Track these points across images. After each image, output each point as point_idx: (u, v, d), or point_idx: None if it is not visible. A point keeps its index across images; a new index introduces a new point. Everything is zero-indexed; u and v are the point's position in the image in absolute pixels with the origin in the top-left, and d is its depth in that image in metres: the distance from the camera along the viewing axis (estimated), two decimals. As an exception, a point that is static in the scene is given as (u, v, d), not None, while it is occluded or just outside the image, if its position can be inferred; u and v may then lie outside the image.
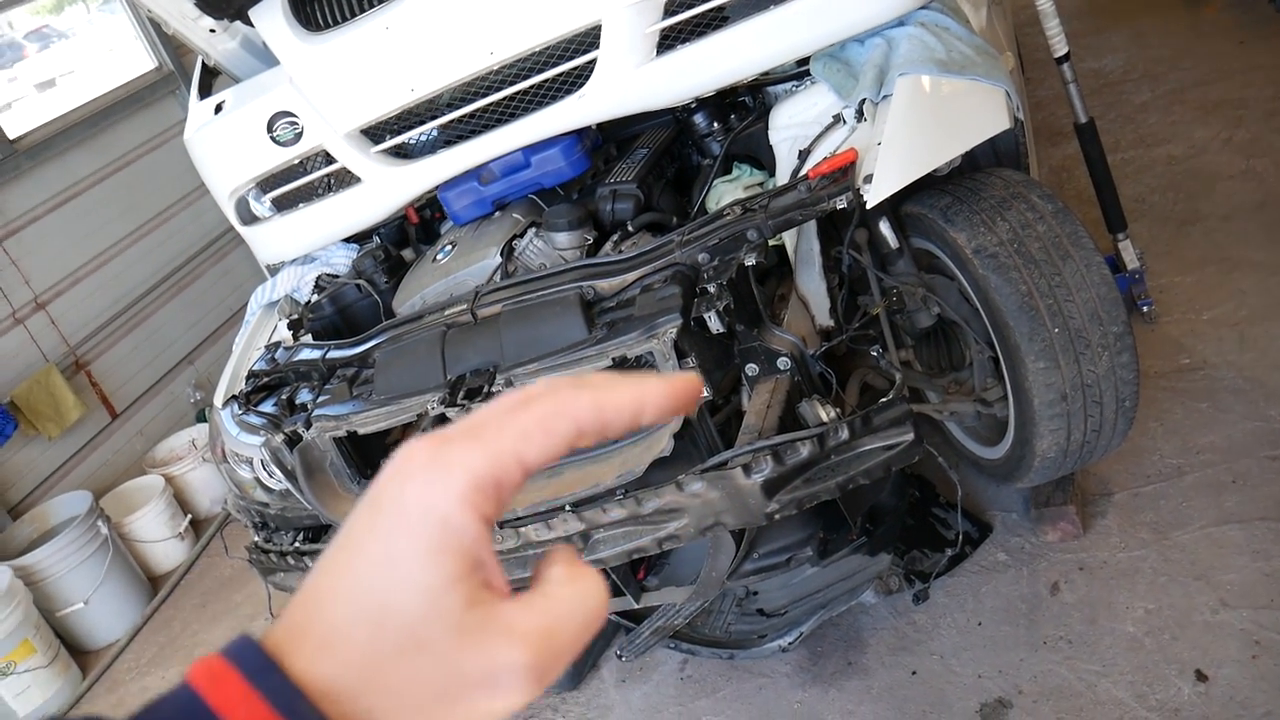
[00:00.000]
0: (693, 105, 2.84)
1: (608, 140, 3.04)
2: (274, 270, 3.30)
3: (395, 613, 0.41)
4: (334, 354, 2.64)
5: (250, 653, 0.40)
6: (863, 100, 2.34)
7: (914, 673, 2.64)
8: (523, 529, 2.16)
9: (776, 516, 2.03)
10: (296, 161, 2.98)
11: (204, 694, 0.39)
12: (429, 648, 0.41)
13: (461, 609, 0.41)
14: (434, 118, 2.81)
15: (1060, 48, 3.27)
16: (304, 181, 3.02)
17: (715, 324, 2.08)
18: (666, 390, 0.47)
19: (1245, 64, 4.83)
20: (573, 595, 0.44)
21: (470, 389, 2.25)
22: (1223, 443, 2.88)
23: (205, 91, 3.25)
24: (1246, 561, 2.54)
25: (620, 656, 2.74)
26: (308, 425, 2.49)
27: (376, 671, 0.40)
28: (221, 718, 0.38)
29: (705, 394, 2.08)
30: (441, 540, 0.41)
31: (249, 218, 3.16)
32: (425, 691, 0.41)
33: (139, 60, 6.06)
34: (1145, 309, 3.42)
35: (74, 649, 4.27)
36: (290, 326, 2.99)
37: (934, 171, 2.27)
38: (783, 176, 2.57)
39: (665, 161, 2.93)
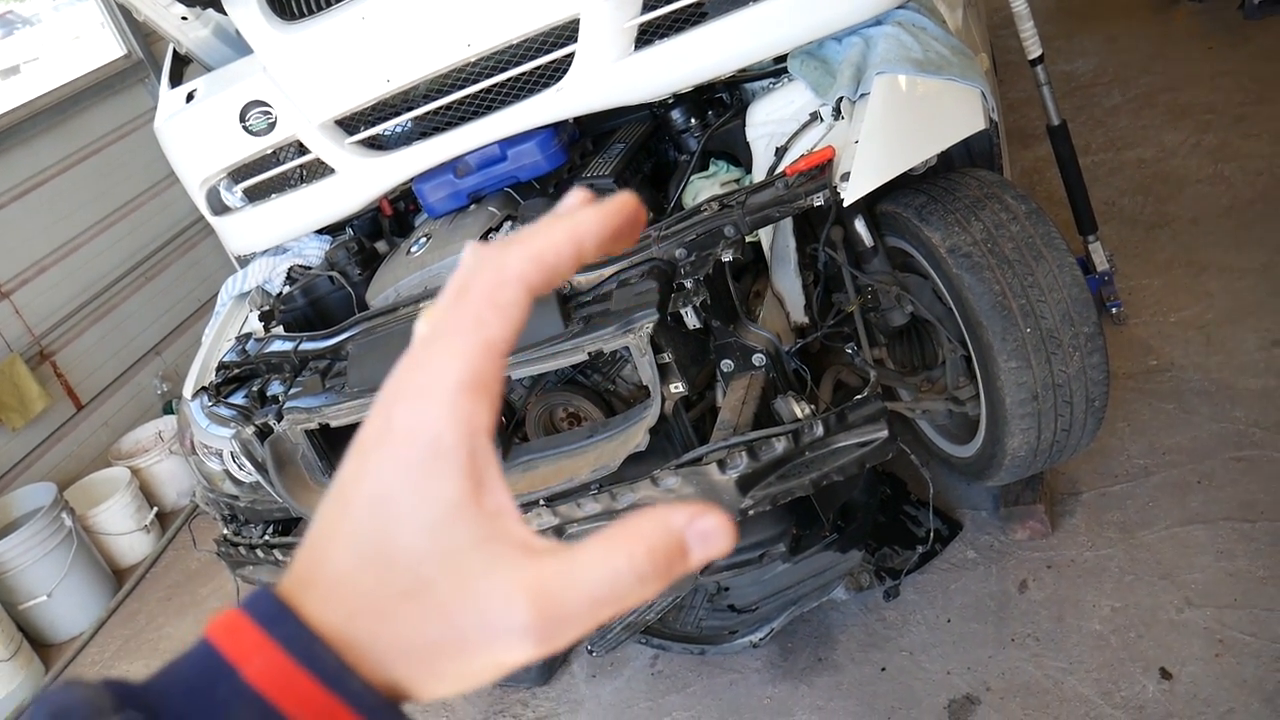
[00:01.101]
0: (670, 101, 2.84)
1: (584, 134, 3.04)
2: (245, 261, 3.27)
3: (398, 553, 0.39)
4: (306, 346, 2.62)
5: (265, 602, 0.39)
6: (840, 98, 2.35)
7: (883, 669, 2.65)
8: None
9: (750, 512, 2.04)
10: (269, 151, 2.95)
11: (220, 646, 0.38)
12: (432, 591, 0.38)
13: (468, 548, 0.39)
14: (409, 109, 2.79)
15: (1034, 50, 3.30)
16: (276, 172, 2.99)
17: (692, 319, 2.09)
18: (601, 217, 0.43)
19: (1213, 69, 4.89)
20: (598, 563, 0.39)
21: (444, 382, 2.23)
22: (1189, 443, 2.92)
23: (176, 80, 3.21)
24: (1211, 561, 2.57)
25: (591, 652, 2.74)
26: (279, 417, 2.47)
27: (384, 619, 0.38)
28: (236, 667, 0.37)
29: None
30: (435, 465, 0.39)
31: (220, 208, 3.13)
32: (429, 641, 0.38)
33: (107, 47, 5.98)
34: (1114, 310, 3.46)
35: (37, 642, 4.22)
36: (262, 318, 2.96)
37: (910, 170, 2.28)
38: (759, 173, 2.58)
39: (642, 156, 2.93)
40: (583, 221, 0.43)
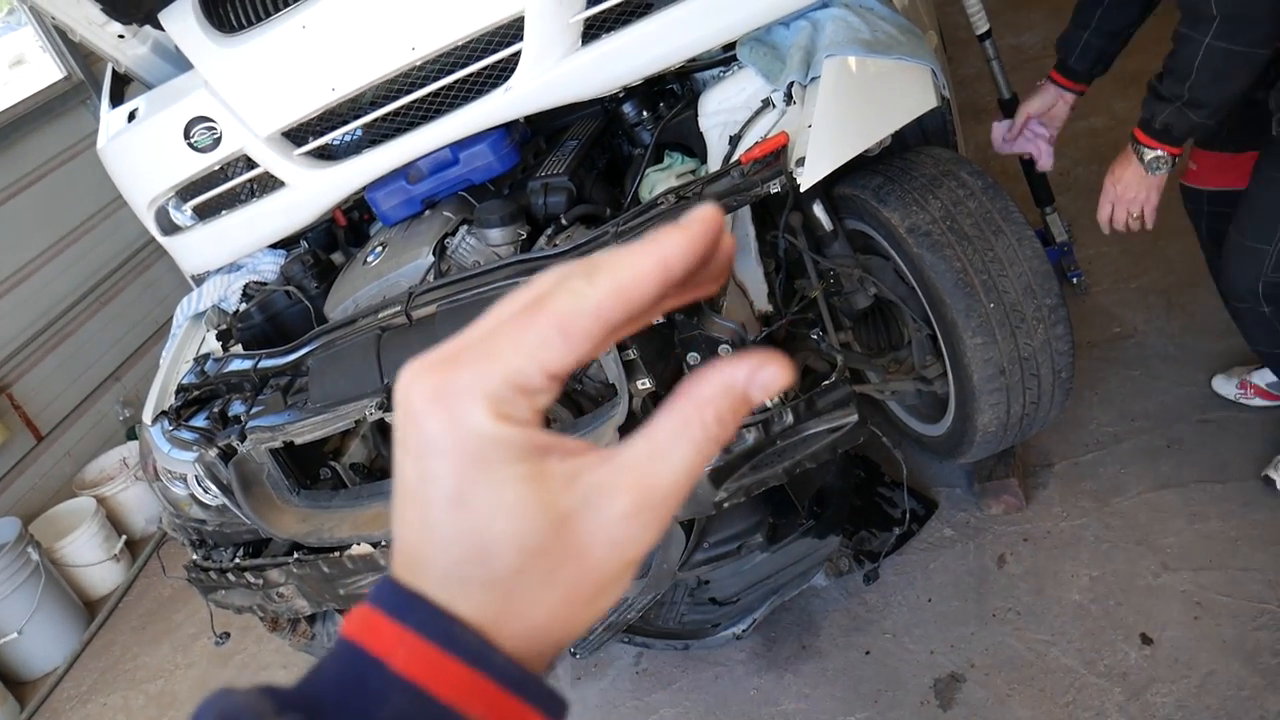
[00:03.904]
0: (621, 95, 2.81)
1: (537, 133, 3.01)
2: (199, 280, 3.21)
3: (497, 542, 0.39)
4: (266, 363, 2.57)
5: (393, 594, 0.40)
6: (791, 83, 2.34)
7: (868, 652, 2.65)
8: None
9: (725, 505, 2.02)
10: (217, 167, 2.90)
11: (362, 642, 0.40)
12: (545, 555, 0.40)
13: (559, 501, 0.40)
14: (357, 117, 2.74)
15: (981, 25, 3.30)
16: (226, 188, 2.94)
17: (654, 314, 2.06)
18: (687, 239, 0.42)
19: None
20: (678, 439, 0.41)
21: (408, 392, 2.20)
22: (1156, 409, 2.93)
23: (117, 99, 3.14)
24: (1184, 524, 2.59)
25: (574, 654, 2.72)
26: (242, 438, 2.43)
27: (510, 596, 0.40)
28: (383, 660, 0.39)
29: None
30: (496, 459, 0.39)
31: (170, 227, 3.07)
32: (564, 591, 0.40)
33: (47, 71, 5.88)
34: (1075, 280, 3.47)
35: (10, 680, 4.14)
36: (219, 337, 2.91)
37: (865, 152, 2.27)
38: (715, 163, 2.56)
39: (596, 152, 2.90)
40: (668, 245, 0.41)
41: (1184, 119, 2.14)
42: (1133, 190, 2.29)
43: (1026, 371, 2.35)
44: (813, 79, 2.30)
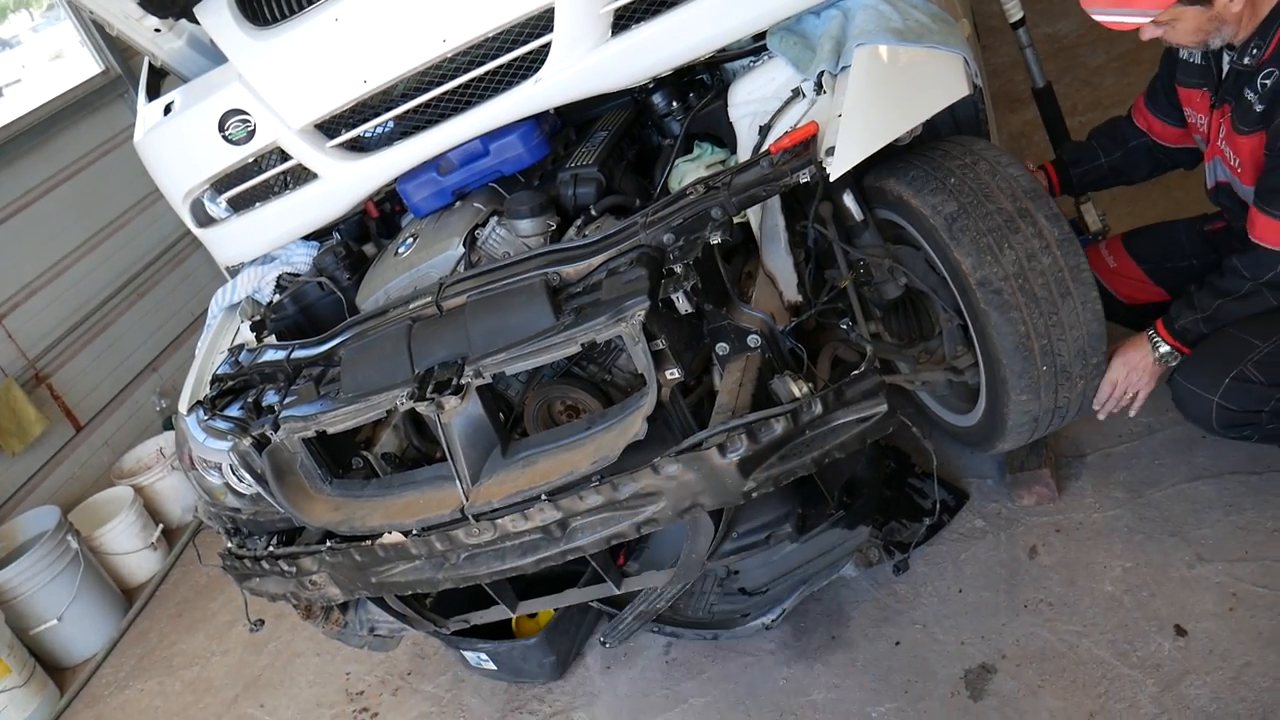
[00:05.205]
0: (651, 85, 2.81)
1: (566, 124, 3.01)
2: (234, 272, 3.24)
3: None
4: (299, 354, 2.60)
5: None
6: (821, 72, 2.33)
7: (897, 643, 2.64)
8: (499, 520, 2.14)
9: (754, 495, 2.02)
10: (251, 160, 2.92)
11: None
12: None
13: None
14: (389, 109, 2.76)
15: (1015, 13, 3.27)
16: (259, 180, 2.96)
17: (683, 304, 2.07)
18: None
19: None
20: None
21: (439, 382, 2.22)
22: (1191, 399, 2.90)
23: (153, 93, 3.18)
24: (1219, 516, 2.56)
25: (604, 643, 2.73)
26: (275, 427, 2.45)
27: None
28: None
29: (678, 376, 2.07)
30: None
31: (205, 219, 3.10)
32: None
33: (85, 65, 5.96)
34: (1109, 270, 3.43)
35: (50, 666, 4.21)
36: (253, 328, 2.94)
37: (896, 141, 2.26)
38: (744, 153, 2.56)
39: (625, 143, 2.90)
40: None
41: (1197, 328, 2.41)
42: (1138, 374, 2.48)
43: (1056, 418, 2.46)
44: (843, 68, 2.29)
